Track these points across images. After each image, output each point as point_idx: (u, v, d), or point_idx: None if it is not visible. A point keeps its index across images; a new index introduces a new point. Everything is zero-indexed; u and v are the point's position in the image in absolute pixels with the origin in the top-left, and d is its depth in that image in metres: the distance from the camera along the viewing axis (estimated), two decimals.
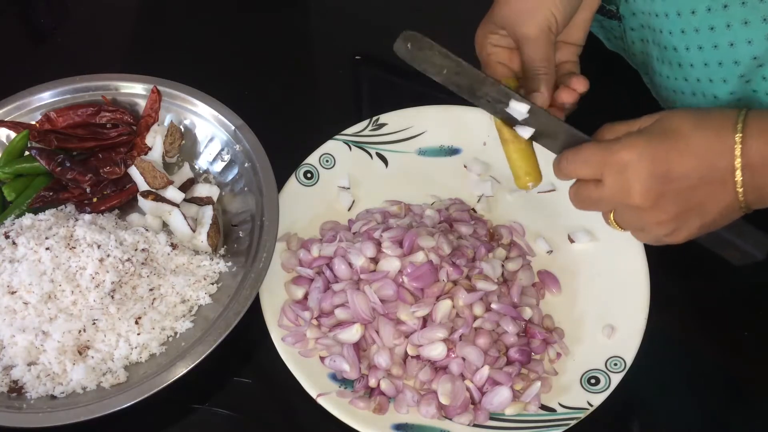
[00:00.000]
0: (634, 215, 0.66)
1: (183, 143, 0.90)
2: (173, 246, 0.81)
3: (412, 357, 0.74)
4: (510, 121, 0.74)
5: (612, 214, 0.68)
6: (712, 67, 0.76)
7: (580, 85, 0.75)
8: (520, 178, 0.75)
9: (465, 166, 0.90)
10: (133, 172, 0.85)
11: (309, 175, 0.88)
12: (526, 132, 0.73)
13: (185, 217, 0.83)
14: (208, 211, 0.83)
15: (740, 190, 0.62)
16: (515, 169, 0.75)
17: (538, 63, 0.73)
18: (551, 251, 0.84)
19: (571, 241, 0.84)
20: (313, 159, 0.88)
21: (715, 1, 0.73)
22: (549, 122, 0.72)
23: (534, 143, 0.75)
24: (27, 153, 0.88)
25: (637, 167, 0.62)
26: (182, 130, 0.89)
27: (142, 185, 0.85)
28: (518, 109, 0.72)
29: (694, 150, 0.62)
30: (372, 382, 0.74)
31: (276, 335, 0.76)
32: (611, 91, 0.95)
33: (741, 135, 0.61)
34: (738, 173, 0.61)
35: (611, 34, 0.92)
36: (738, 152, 0.61)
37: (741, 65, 0.74)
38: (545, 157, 0.74)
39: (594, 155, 0.65)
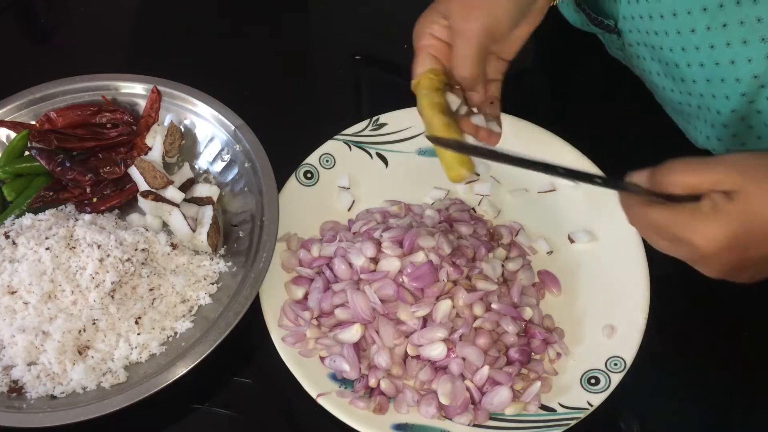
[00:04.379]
0: (697, 264, 0.62)
1: (183, 143, 0.90)
2: (173, 246, 0.81)
3: (412, 357, 0.74)
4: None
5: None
6: (715, 83, 0.76)
7: (492, 140, 0.74)
8: (453, 169, 0.70)
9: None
10: (133, 172, 0.85)
11: (309, 175, 0.88)
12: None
13: (185, 217, 0.83)
14: (208, 211, 0.83)
15: None
16: (447, 160, 0.71)
17: (467, 61, 0.70)
18: (551, 252, 0.84)
19: (571, 241, 0.84)
20: (313, 159, 0.88)
21: (714, 20, 0.73)
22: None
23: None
24: (27, 153, 0.88)
25: (717, 258, 0.58)
26: (182, 130, 0.89)
27: (142, 185, 0.84)
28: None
29: None
30: (372, 382, 0.74)
31: (276, 335, 0.76)
32: (614, 96, 0.95)
33: None
34: None
35: (612, 44, 0.93)
36: None
37: (742, 83, 0.74)
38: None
39: (667, 223, 0.59)
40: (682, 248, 0.59)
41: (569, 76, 1.01)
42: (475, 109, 0.75)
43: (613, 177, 0.64)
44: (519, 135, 0.87)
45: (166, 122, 0.90)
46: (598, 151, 0.87)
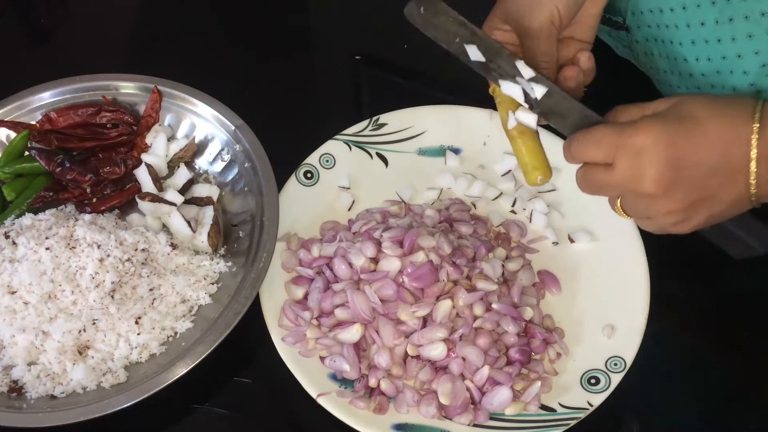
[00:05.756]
0: (642, 202, 0.64)
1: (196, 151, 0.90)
2: (173, 246, 0.81)
3: (412, 357, 0.74)
4: (523, 100, 0.70)
5: (619, 201, 0.66)
6: (724, 75, 0.76)
7: (585, 58, 0.73)
8: (529, 174, 0.72)
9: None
10: (141, 172, 0.85)
11: (309, 175, 0.88)
12: (530, 118, 0.70)
13: (185, 218, 0.83)
14: (208, 212, 0.83)
15: (753, 181, 0.60)
16: (523, 165, 0.73)
17: (539, 57, 0.72)
18: (557, 242, 0.84)
19: (571, 241, 0.84)
20: (313, 159, 0.88)
21: (721, 13, 0.73)
22: (561, 100, 0.69)
23: (542, 137, 0.73)
24: (27, 153, 0.88)
25: (652, 152, 0.60)
26: (196, 143, 0.90)
27: (148, 186, 0.85)
28: (530, 83, 0.69)
29: (710, 138, 0.60)
30: (372, 382, 0.74)
31: (276, 335, 0.76)
32: (622, 97, 0.94)
33: (758, 125, 0.59)
34: (753, 164, 0.60)
35: (620, 43, 0.93)
36: (754, 143, 0.59)
37: (750, 74, 0.75)
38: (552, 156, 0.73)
39: (606, 137, 0.63)
40: (623, 160, 0.62)
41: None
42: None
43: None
44: None
45: (179, 133, 0.90)
46: None
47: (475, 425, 0.72)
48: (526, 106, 0.70)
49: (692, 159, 0.60)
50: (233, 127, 0.87)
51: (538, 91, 0.69)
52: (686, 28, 0.77)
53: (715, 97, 0.63)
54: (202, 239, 0.82)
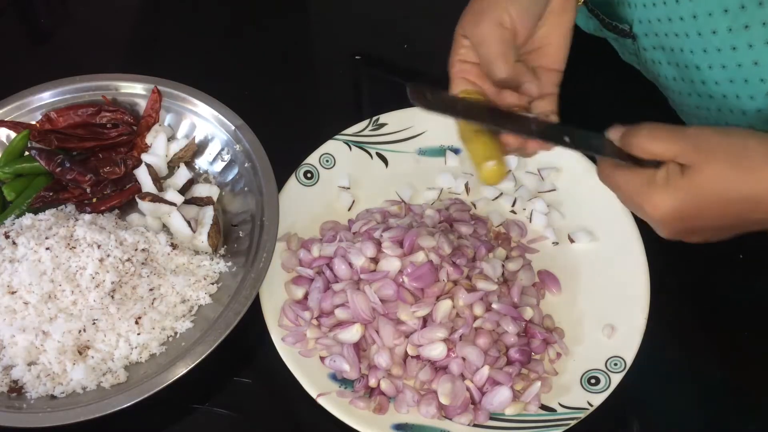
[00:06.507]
0: (652, 225, 0.65)
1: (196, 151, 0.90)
2: (173, 246, 0.81)
3: (412, 357, 0.74)
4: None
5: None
6: (738, 84, 0.75)
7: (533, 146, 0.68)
8: (484, 168, 0.66)
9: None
10: (141, 172, 0.85)
11: (309, 175, 0.88)
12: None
13: (185, 218, 0.83)
14: (208, 212, 0.83)
15: None
16: (477, 159, 0.66)
17: (494, 64, 0.67)
18: (557, 242, 0.84)
19: (571, 241, 0.84)
20: (313, 159, 0.88)
21: (735, 21, 0.72)
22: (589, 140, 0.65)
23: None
24: (27, 153, 0.88)
25: (665, 224, 0.62)
26: (196, 143, 0.90)
27: (148, 186, 0.85)
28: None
29: (732, 210, 0.60)
30: (372, 382, 0.74)
31: (276, 335, 0.76)
32: (626, 102, 0.94)
33: None
34: None
35: (625, 49, 0.91)
36: None
37: (767, 83, 0.73)
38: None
39: (626, 187, 0.63)
40: (638, 210, 0.63)
41: (581, 82, 1.00)
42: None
43: (585, 133, 0.65)
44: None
45: (179, 133, 0.90)
46: None
47: (475, 425, 0.72)
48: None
49: (701, 226, 0.62)
50: (233, 127, 0.87)
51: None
52: (697, 36, 0.75)
53: (738, 158, 0.60)
54: (202, 239, 0.82)
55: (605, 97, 0.92)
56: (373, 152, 0.90)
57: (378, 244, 0.78)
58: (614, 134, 0.63)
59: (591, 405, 0.72)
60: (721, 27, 0.73)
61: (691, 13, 0.75)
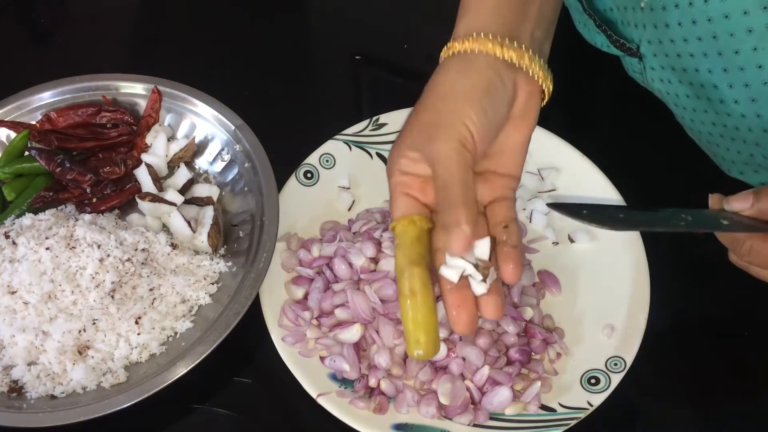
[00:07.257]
0: None
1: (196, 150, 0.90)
2: (173, 246, 0.81)
3: None
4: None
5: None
6: (762, 103, 0.73)
7: (509, 273, 0.61)
8: (410, 345, 0.60)
9: None
10: (141, 172, 0.85)
11: (309, 175, 0.88)
12: (453, 274, 0.60)
13: (185, 219, 0.83)
14: (208, 212, 0.83)
15: None
16: (407, 333, 0.60)
17: (454, 187, 0.59)
18: (557, 242, 0.84)
19: (571, 241, 0.84)
20: (313, 159, 0.88)
21: (761, 41, 0.68)
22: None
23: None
24: (27, 153, 0.88)
25: None
26: (196, 143, 0.90)
27: (148, 186, 0.85)
28: None
29: None
30: (372, 382, 0.74)
31: (276, 335, 0.76)
32: (633, 116, 0.94)
33: None
34: None
35: (631, 68, 0.88)
36: None
37: None
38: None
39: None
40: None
41: (588, 96, 1.00)
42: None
43: (698, 212, 0.61)
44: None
45: (179, 133, 0.90)
46: (618, 171, 0.86)
47: (475, 425, 0.72)
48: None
49: None
50: (233, 127, 0.87)
51: None
52: (717, 56, 0.72)
53: None
54: (202, 239, 0.82)
55: (611, 110, 0.92)
56: (373, 152, 0.90)
57: (378, 244, 0.78)
58: (741, 203, 0.60)
59: (591, 405, 0.72)
60: (745, 47, 0.70)
61: (710, 34, 0.71)
